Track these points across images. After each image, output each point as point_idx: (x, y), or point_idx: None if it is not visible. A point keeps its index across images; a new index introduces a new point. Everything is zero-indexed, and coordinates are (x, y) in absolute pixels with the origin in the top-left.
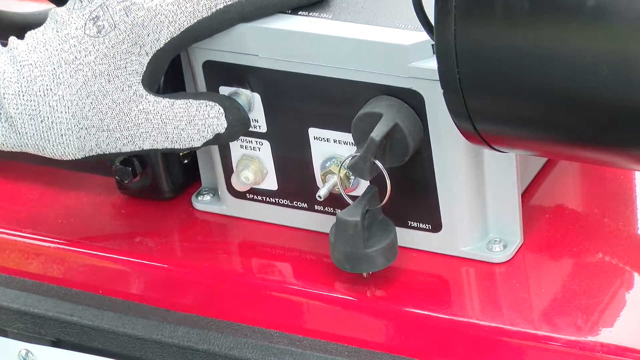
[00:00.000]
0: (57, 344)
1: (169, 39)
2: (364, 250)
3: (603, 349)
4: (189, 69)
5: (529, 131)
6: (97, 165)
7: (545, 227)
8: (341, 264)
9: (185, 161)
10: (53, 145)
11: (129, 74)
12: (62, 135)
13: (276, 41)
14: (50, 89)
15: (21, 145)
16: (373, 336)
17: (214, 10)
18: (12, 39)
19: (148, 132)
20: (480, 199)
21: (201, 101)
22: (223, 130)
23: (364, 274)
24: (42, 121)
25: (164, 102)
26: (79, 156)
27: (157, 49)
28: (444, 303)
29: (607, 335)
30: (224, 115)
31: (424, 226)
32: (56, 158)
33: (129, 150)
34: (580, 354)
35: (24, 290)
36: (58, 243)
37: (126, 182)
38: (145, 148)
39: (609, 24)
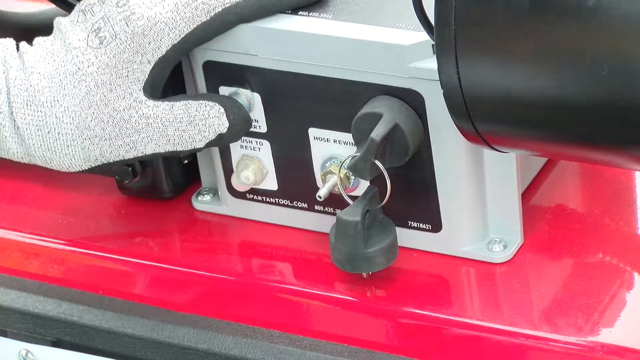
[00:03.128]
0: (57, 344)
1: (170, 46)
2: (364, 251)
3: (603, 349)
4: (189, 69)
5: (529, 131)
6: None
7: (545, 227)
8: (341, 264)
9: (186, 161)
10: (59, 157)
11: (131, 82)
12: (67, 146)
13: (276, 41)
14: (57, 100)
15: (29, 156)
16: (373, 336)
17: (212, 14)
18: (23, 44)
19: (149, 136)
20: (481, 199)
21: (201, 102)
22: (225, 130)
23: (364, 274)
24: (48, 132)
25: (163, 106)
26: (85, 167)
27: (159, 56)
28: (444, 303)
29: (607, 336)
30: (224, 114)
31: (424, 226)
32: (63, 171)
33: (132, 157)
34: (580, 354)
35: (24, 290)
36: (58, 243)
37: (126, 182)
38: (147, 153)
39: (609, 24)
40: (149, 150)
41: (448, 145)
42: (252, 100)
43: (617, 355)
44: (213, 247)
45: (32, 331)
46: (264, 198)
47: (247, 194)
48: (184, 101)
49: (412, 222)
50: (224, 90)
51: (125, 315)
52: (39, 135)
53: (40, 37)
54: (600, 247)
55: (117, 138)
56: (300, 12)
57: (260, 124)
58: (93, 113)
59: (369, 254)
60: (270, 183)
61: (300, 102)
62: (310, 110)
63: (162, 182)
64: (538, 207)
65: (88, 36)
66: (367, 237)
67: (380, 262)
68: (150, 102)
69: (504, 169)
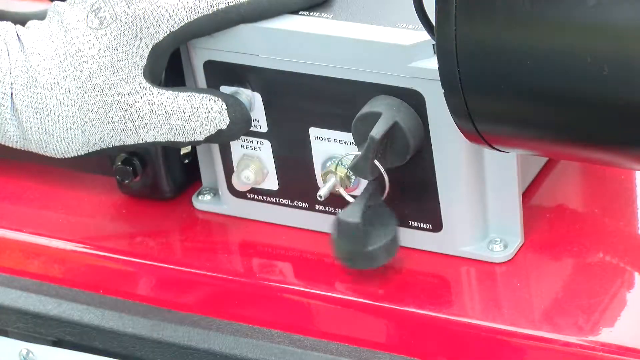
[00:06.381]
0: (57, 343)
1: (168, 33)
2: (365, 249)
3: (604, 348)
4: (190, 68)
5: (530, 131)
6: (98, 164)
7: (545, 227)
8: (342, 261)
9: (186, 161)
10: (57, 141)
11: (131, 66)
12: (67, 129)
13: (277, 41)
14: (57, 82)
15: (25, 140)
16: (373, 336)
17: (215, 9)
18: (19, 27)
19: (152, 123)
20: (481, 198)
21: (204, 95)
22: (225, 127)
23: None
24: (48, 115)
25: (167, 94)
26: (82, 152)
27: (156, 42)
28: (444, 303)
29: (608, 335)
30: (226, 111)
31: (424, 226)
32: (58, 156)
33: (132, 143)
34: (581, 354)
35: (24, 290)
36: (59, 243)
37: (127, 181)
38: (148, 141)
39: (610, 23)
40: (150, 137)
41: (449, 145)
42: (252, 100)
43: (617, 355)
44: (213, 247)
45: (32, 331)
46: (265, 198)
47: (247, 194)
48: (188, 92)
49: (412, 222)
50: (225, 90)
51: (126, 314)
52: (37, 118)
53: (35, 21)
54: (601, 247)
55: (120, 122)
56: (300, 12)
57: (260, 123)
58: (96, 95)
59: (369, 252)
60: (271, 183)
61: (300, 102)
62: (311, 110)
63: (162, 182)
64: (538, 206)
65: (87, 16)
66: (367, 236)
67: (381, 259)
68: (155, 89)
69: (505, 169)
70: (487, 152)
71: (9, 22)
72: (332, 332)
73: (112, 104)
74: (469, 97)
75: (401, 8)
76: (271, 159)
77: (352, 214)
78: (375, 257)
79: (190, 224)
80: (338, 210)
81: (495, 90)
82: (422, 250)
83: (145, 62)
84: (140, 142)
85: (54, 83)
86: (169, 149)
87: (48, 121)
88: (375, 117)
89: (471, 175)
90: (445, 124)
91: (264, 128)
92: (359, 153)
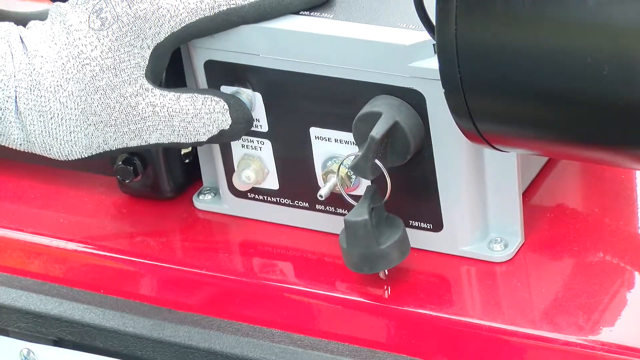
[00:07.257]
0: (58, 343)
1: (169, 34)
2: (378, 248)
3: (604, 348)
4: (191, 68)
5: (530, 130)
6: (99, 164)
7: (546, 227)
8: (357, 267)
9: (187, 160)
10: (60, 144)
11: (133, 67)
12: (70, 132)
13: (277, 41)
14: (61, 85)
15: (29, 143)
16: (374, 335)
17: (216, 11)
18: (20, 29)
19: (155, 125)
20: (481, 198)
21: (206, 96)
22: (227, 127)
23: (381, 274)
24: (51, 118)
25: (170, 96)
26: (85, 154)
27: (157, 42)
28: (444, 302)
29: (608, 335)
30: (228, 111)
31: (425, 226)
32: (61, 159)
33: (135, 145)
34: (581, 353)
35: (25, 289)
36: (60, 242)
37: (128, 181)
38: (151, 142)
39: (610, 23)
40: (153, 139)
41: (449, 145)
42: (253, 100)
43: (617, 354)
44: (214, 247)
45: (33, 330)
46: (265, 197)
47: (248, 194)
48: (191, 94)
49: (413, 222)
50: (226, 90)
51: (127, 314)
52: (40, 121)
53: (37, 21)
54: (601, 247)
55: (123, 125)
56: (301, 12)
57: (261, 123)
58: (99, 98)
59: (383, 250)
60: (272, 182)
61: (301, 102)
62: (312, 110)
63: (163, 182)
64: (539, 206)
65: (89, 17)
66: (378, 235)
67: (395, 257)
68: (157, 91)
69: (505, 169)
70: (488, 152)
71: (12, 23)
72: (332, 332)
73: (114, 106)
74: (469, 97)
75: (401, 8)
76: (272, 159)
77: (358, 214)
78: (389, 256)
79: (191, 224)
80: (339, 210)
81: (495, 90)
82: (422, 249)
83: (147, 62)
84: (143, 144)
85: (57, 86)
86: (170, 149)
87: (51, 124)
88: (375, 116)
89: (471, 175)
90: (445, 123)
91: (264, 128)
92: (360, 153)
